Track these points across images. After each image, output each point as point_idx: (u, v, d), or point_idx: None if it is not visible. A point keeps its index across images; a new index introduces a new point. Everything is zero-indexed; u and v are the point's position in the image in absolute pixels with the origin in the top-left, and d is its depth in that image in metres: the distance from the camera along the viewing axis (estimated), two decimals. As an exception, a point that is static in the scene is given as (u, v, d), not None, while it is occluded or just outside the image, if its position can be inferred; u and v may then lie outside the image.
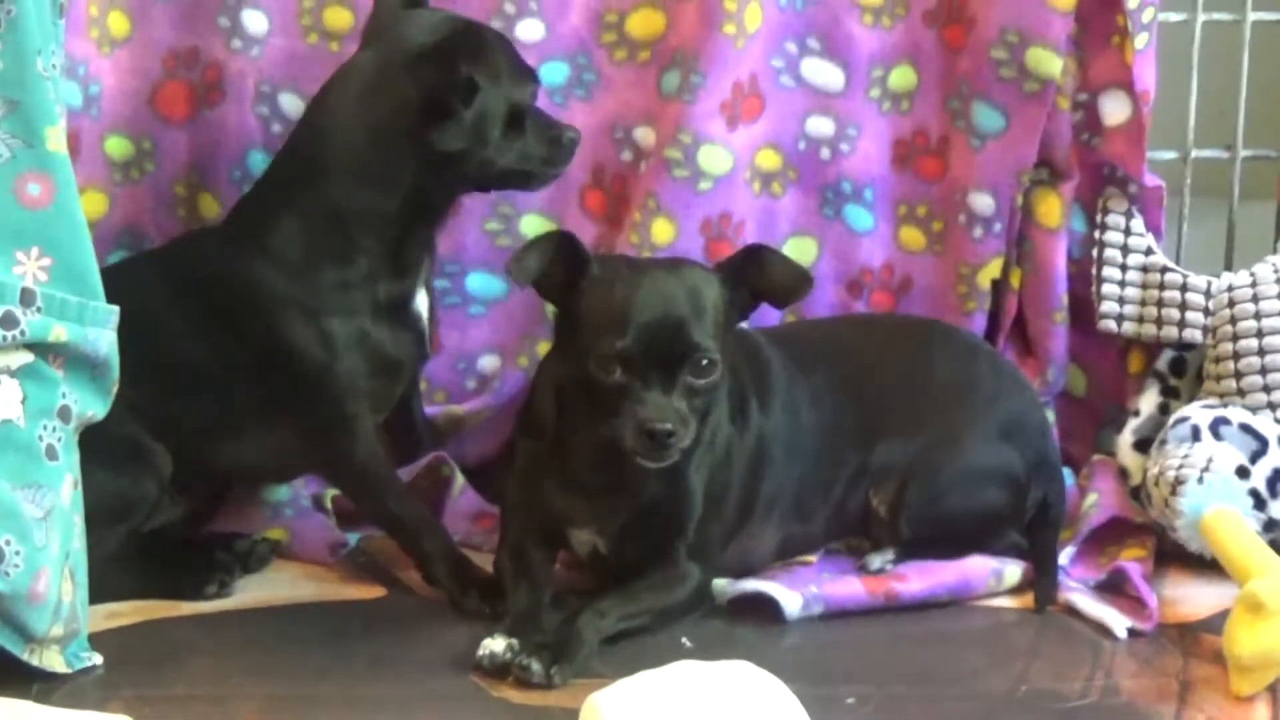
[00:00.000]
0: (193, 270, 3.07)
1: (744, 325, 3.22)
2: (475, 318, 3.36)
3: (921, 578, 3.04)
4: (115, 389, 2.77)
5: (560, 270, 2.82)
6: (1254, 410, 3.23)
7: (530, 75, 3.11)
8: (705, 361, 2.78)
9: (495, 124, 3.00)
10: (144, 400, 2.94)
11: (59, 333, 2.66)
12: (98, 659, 2.77)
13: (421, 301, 3.13)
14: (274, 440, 3.09)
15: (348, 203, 3.01)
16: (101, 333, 2.73)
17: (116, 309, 2.74)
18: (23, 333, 2.63)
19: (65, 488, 2.69)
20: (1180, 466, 3.10)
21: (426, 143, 2.97)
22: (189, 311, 3.04)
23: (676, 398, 2.76)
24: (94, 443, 2.78)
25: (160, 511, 3.08)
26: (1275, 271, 3.28)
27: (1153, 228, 3.42)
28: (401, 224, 3.03)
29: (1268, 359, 3.23)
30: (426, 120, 2.96)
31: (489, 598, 2.99)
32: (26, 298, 2.64)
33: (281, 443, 3.09)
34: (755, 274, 2.85)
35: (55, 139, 2.68)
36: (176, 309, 3.04)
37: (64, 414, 2.69)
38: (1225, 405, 3.25)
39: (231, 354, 3.03)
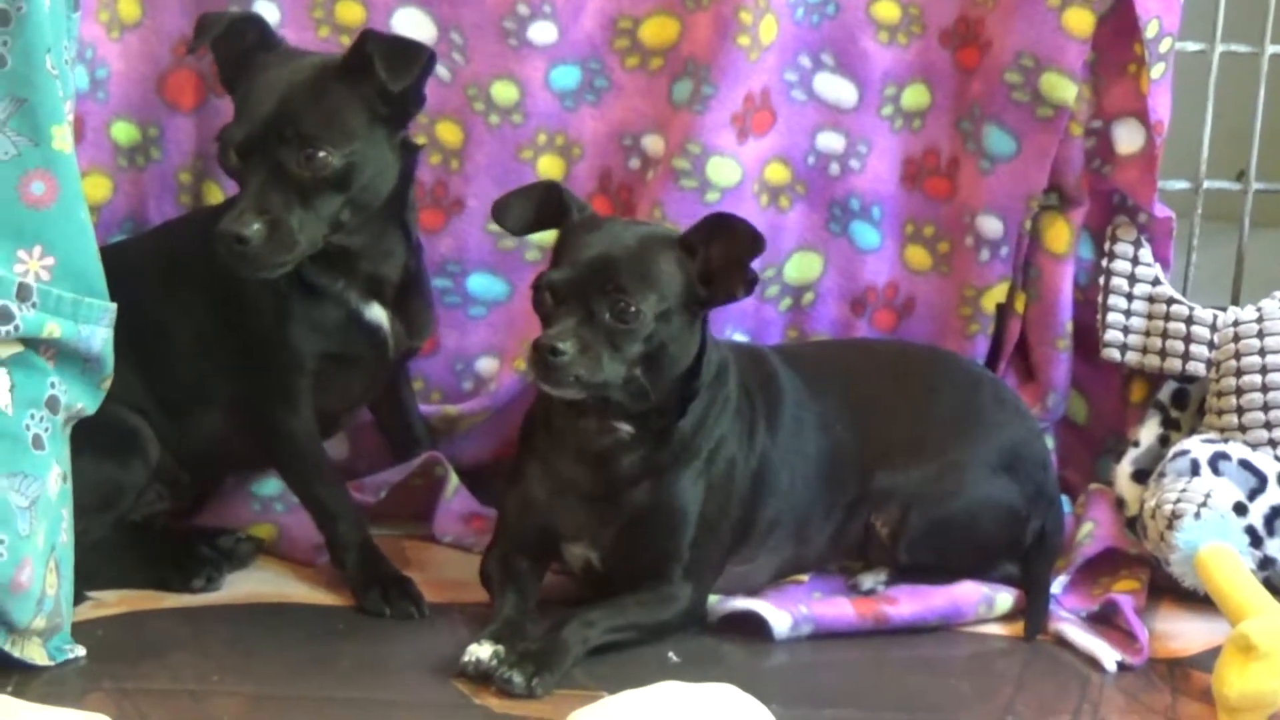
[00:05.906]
0: (186, 243, 3.07)
1: (756, 344, 3.21)
2: (475, 319, 3.33)
3: (912, 601, 3.03)
4: (107, 384, 2.77)
5: (547, 220, 2.89)
6: (1254, 446, 3.21)
7: None
8: (623, 304, 2.76)
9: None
10: (133, 380, 2.93)
11: (52, 329, 2.65)
12: (80, 651, 2.76)
13: (378, 315, 3.08)
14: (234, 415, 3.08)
15: None
16: (95, 329, 2.72)
17: (113, 306, 2.73)
18: (16, 328, 2.62)
19: (52, 479, 2.68)
20: (1177, 500, 3.09)
21: None
22: (172, 282, 3.05)
23: (588, 330, 2.75)
24: (81, 429, 2.77)
25: (147, 500, 3.07)
26: (1282, 307, 3.27)
27: (1161, 258, 3.40)
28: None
29: (1270, 395, 3.22)
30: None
31: (392, 599, 2.98)
32: (23, 293, 2.63)
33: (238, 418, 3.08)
34: (724, 240, 2.83)
35: (61, 138, 2.67)
36: (167, 279, 3.05)
37: (52, 405, 2.68)
38: (1225, 440, 3.23)
39: (200, 319, 3.03)
